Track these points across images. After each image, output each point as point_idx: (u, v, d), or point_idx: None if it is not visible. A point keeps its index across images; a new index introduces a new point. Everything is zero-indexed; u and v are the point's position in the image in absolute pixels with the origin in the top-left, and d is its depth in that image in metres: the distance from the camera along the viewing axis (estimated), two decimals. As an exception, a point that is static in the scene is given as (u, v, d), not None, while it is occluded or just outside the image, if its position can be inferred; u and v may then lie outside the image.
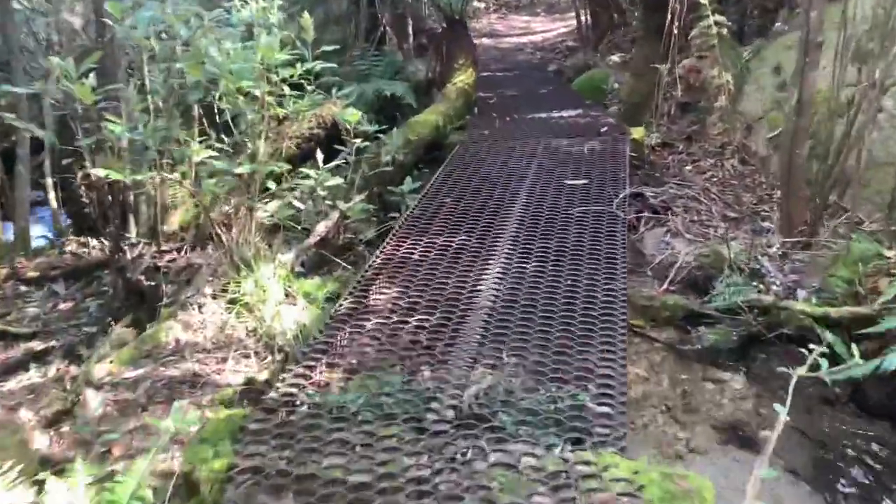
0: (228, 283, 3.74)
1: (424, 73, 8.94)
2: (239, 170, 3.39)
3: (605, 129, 5.86)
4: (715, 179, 5.49)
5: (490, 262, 3.51)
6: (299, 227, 4.00)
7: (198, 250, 4.44)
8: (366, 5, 7.61)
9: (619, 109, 7.26)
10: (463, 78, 6.46)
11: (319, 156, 4.10)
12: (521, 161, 5.15)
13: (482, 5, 15.91)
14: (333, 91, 4.11)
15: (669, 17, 6.17)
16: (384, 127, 4.64)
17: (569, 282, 3.30)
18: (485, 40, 12.93)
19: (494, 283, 3.30)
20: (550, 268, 3.43)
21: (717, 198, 5.26)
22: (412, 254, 3.65)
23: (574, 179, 4.70)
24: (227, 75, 3.34)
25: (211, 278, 3.97)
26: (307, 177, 4.02)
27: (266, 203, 4.29)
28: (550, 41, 12.35)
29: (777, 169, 4.91)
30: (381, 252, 3.67)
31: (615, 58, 9.87)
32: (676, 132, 6.23)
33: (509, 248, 3.65)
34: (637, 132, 5.71)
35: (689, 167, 5.73)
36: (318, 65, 3.69)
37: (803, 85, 3.98)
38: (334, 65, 3.81)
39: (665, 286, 4.53)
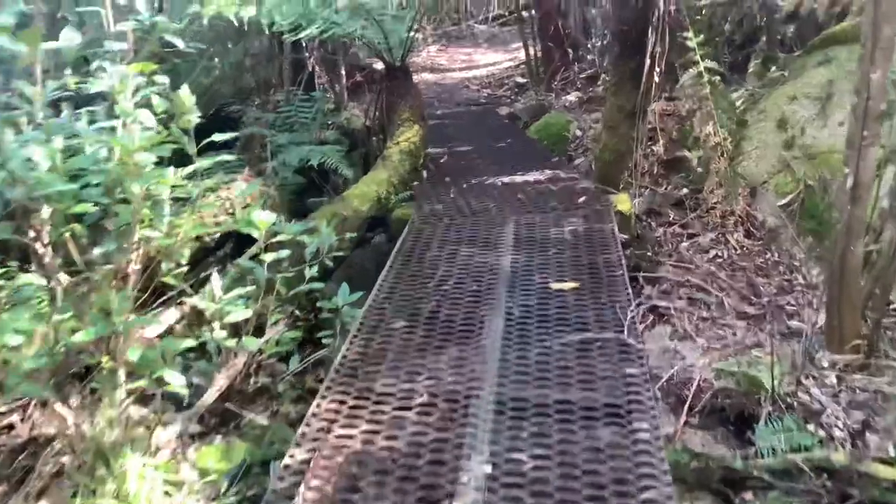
0: (78, 489, 2.52)
1: (362, 119, 7.82)
2: (79, 338, 2.19)
3: (584, 198, 4.85)
4: (720, 260, 4.53)
5: (466, 450, 2.38)
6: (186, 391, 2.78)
7: (50, 406, 3.17)
8: (290, 49, 6.45)
9: (588, 164, 6.29)
10: (409, 135, 5.36)
11: (216, 281, 2.91)
12: (487, 250, 4.05)
13: (420, 36, 14.91)
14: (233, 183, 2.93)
15: (648, 61, 5.22)
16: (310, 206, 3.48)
17: (588, 491, 2.20)
18: (426, 75, 11.94)
19: (477, 497, 2.16)
20: (557, 462, 2.32)
21: (727, 286, 4.29)
22: (350, 436, 2.47)
23: (560, 281, 3.65)
24: (55, 193, 2.16)
25: (59, 466, 2.74)
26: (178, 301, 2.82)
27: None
28: (497, 76, 11.43)
29: (823, 267, 3.99)
30: (303, 436, 2.47)
31: (571, 97, 8.97)
32: (663, 196, 5.27)
33: (493, 422, 2.52)
34: (622, 203, 4.72)
35: (685, 244, 4.75)
36: (205, 162, 2.54)
37: (860, 165, 3.03)
38: (229, 157, 2.67)
39: (683, 419, 3.53)
